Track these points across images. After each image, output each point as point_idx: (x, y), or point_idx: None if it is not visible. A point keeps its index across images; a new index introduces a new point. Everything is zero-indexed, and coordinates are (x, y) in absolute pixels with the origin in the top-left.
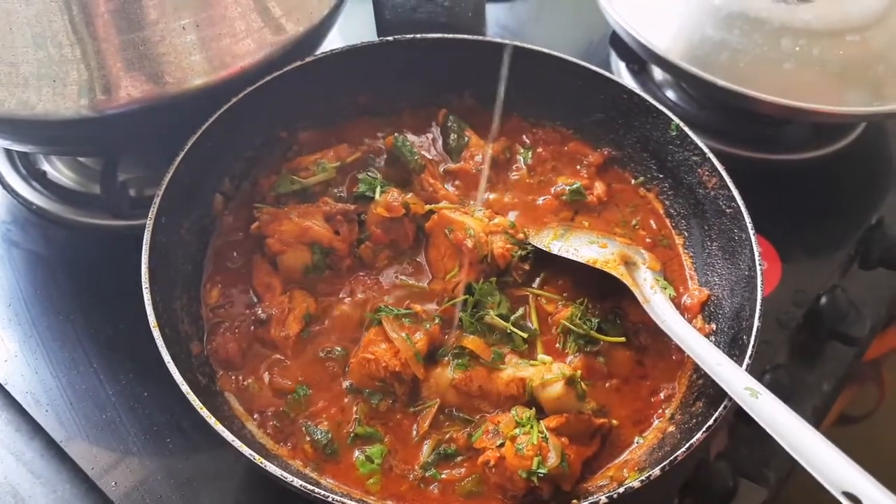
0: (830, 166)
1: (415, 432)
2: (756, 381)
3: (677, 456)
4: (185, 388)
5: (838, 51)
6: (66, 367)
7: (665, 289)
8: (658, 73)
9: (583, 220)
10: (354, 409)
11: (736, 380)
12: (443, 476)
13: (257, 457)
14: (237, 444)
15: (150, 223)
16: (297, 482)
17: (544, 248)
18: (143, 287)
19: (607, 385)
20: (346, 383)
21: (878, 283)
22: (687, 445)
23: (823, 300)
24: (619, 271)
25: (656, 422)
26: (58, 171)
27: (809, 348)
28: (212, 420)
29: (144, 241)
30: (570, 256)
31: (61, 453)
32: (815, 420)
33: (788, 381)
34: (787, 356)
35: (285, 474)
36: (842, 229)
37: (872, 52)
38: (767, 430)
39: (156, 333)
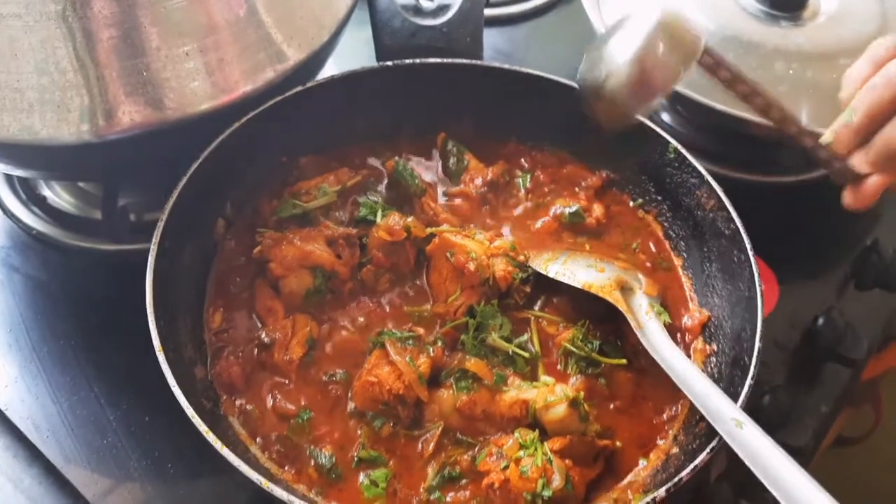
0: (825, 188)
1: (419, 455)
2: (744, 413)
3: (682, 477)
4: (190, 412)
5: (831, 74)
6: (66, 392)
7: (660, 314)
8: None
9: (585, 244)
10: (359, 432)
11: (724, 410)
12: (447, 499)
13: (265, 481)
14: (244, 468)
15: (154, 247)
16: None
17: (542, 272)
18: (148, 311)
19: (611, 407)
20: (349, 407)
21: (874, 304)
22: (692, 466)
23: (820, 322)
24: (613, 296)
25: (660, 443)
26: (58, 195)
27: (807, 370)
28: (218, 445)
29: (148, 265)
30: (566, 280)
31: (60, 479)
32: (815, 443)
33: (787, 403)
34: (785, 378)
35: (293, 498)
36: (837, 251)
37: None
38: (747, 462)
39: (161, 358)
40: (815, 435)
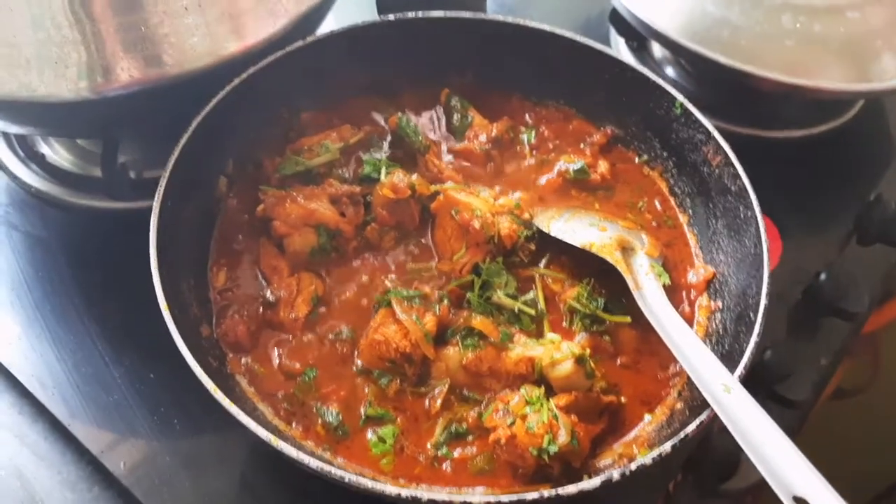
0: (829, 143)
1: (426, 412)
2: (735, 379)
3: (688, 433)
4: (198, 370)
5: (839, 27)
6: (70, 350)
7: (660, 275)
8: (658, 51)
9: (594, 203)
10: (366, 390)
11: (713, 373)
12: (455, 455)
13: (273, 438)
14: (253, 426)
15: (156, 205)
16: (315, 463)
17: (545, 230)
18: (153, 270)
19: (617, 363)
20: (356, 365)
21: (876, 259)
22: (697, 422)
23: (823, 277)
24: (613, 257)
25: (665, 399)
26: (56, 153)
27: (807, 324)
28: (227, 403)
29: (151, 222)
30: (567, 239)
31: (66, 435)
32: (814, 396)
33: (788, 357)
34: (785, 332)
35: (302, 455)
36: (840, 206)
37: (872, 28)
38: (729, 427)
39: (167, 316)
40: (814, 388)
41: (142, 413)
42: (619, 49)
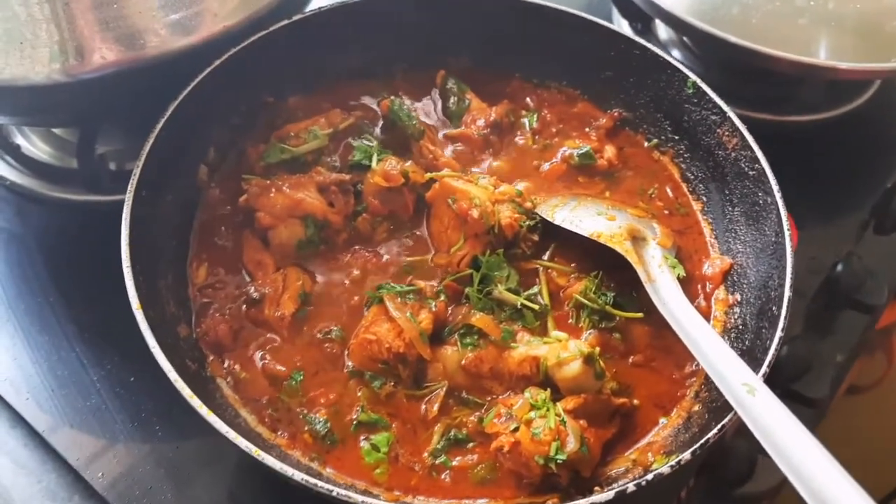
0: (843, 128)
1: (422, 417)
2: (759, 379)
3: (709, 438)
4: (172, 375)
5: (854, 4)
6: (46, 353)
7: (674, 268)
8: (663, 32)
9: (604, 191)
10: (358, 394)
11: (736, 374)
12: (454, 463)
13: (255, 449)
14: (231, 435)
15: (129, 195)
16: (298, 476)
17: (549, 219)
18: (124, 265)
19: (629, 362)
20: (346, 366)
21: (894, 249)
22: (719, 427)
23: (839, 268)
24: (623, 247)
25: (681, 400)
26: (33, 144)
27: (824, 318)
28: (203, 410)
29: (124, 214)
30: (573, 228)
31: (46, 442)
32: (831, 393)
33: (805, 353)
34: (802, 327)
35: (285, 467)
36: (856, 194)
37: (888, 6)
38: (754, 432)
39: (139, 316)
40: (832, 385)
41: (121, 418)
42: (623, 31)
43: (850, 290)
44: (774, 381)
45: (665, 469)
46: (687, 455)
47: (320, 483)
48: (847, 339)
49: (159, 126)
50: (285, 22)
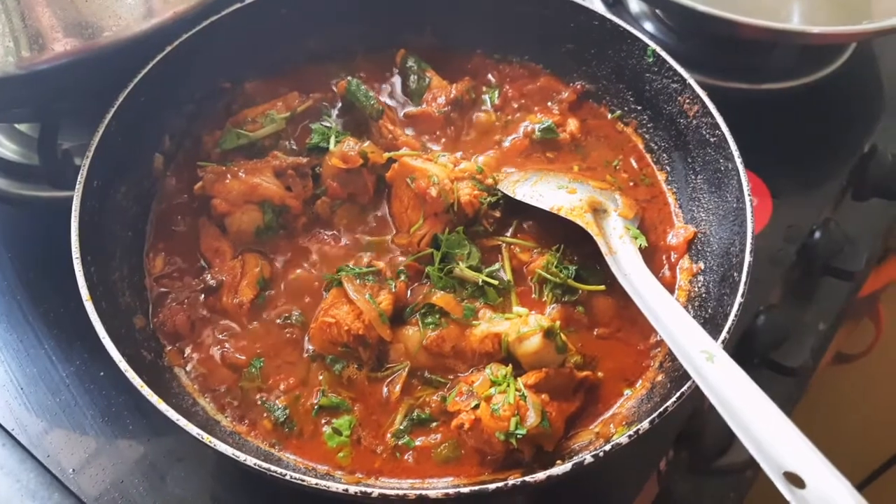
0: (818, 94)
1: (384, 399)
2: (718, 346)
3: (667, 407)
4: (123, 364)
5: None
6: (13, 350)
7: (636, 238)
8: (634, 5)
9: (572, 165)
10: (320, 377)
11: (694, 341)
12: (417, 444)
13: (205, 435)
14: (182, 422)
15: (79, 187)
16: (251, 461)
17: (510, 194)
18: (74, 258)
19: (594, 334)
20: (307, 350)
21: (873, 215)
22: (678, 394)
23: (817, 235)
24: (584, 219)
25: (645, 371)
26: None
27: (804, 286)
28: (154, 399)
29: (73, 207)
30: (534, 203)
31: (12, 440)
32: (813, 362)
33: (783, 322)
34: (780, 295)
35: (236, 452)
36: (833, 160)
37: None
38: (710, 398)
39: (89, 307)
40: (813, 354)
41: (92, 414)
42: (594, 5)
43: (828, 256)
44: (752, 350)
45: (623, 439)
46: (645, 424)
47: (273, 467)
48: (829, 306)
49: (109, 116)
50: (237, 6)
